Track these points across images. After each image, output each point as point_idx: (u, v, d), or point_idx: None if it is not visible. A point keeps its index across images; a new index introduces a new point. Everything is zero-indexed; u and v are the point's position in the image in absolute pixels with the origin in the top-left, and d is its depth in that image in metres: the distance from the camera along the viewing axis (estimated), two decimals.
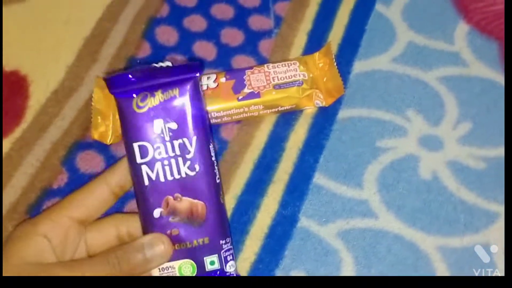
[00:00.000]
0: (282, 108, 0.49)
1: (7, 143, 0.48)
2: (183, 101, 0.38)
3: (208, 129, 0.39)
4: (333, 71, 0.51)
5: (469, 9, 0.57)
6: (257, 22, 0.56)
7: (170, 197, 0.38)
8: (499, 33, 0.55)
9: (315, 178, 0.47)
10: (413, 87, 0.52)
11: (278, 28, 0.56)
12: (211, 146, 0.39)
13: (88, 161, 0.48)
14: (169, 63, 0.40)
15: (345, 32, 0.55)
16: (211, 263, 0.39)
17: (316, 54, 0.52)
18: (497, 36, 0.55)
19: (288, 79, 0.49)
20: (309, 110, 0.50)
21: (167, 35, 0.55)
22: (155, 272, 0.39)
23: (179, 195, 0.38)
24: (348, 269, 0.43)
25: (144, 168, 0.38)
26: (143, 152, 0.38)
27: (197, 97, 0.38)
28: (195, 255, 0.39)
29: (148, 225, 0.39)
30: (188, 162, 0.38)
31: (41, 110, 0.50)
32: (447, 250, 0.44)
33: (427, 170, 0.48)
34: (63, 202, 0.39)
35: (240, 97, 0.48)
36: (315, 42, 0.55)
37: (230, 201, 0.46)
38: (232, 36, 0.55)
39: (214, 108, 0.48)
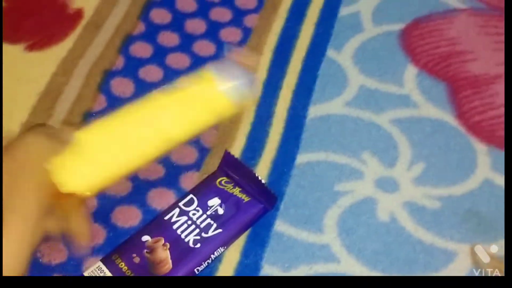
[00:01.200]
0: None
1: None
2: (244, 212, 0.46)
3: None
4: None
5: (416, 52, 0.59)
6: None
7: (164, 242, 0.44)
8: (446, 74, 0.57)
9: (276, 225, 0.47)
10: (367, 130, 0.53)
11: None
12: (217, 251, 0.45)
13: None
14: (263, 181, 0.47)
15: (299, 78, 0.57)
16: None
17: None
18: (444, 77, 0.57)
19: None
20: (268, 156, 0.51)
21: (122, 87, 0.55)
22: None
23: (168, 245, 0.44)
24: None
25: (176, 211, 0.45)
26: (189, 202, 0.46)
27: (249, 224, 0.46)
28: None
29: (129, 236, 0.45)
30: (198, 237, 0.44)
31: None
32: None
33: (384, 212, 0.49)
34: None
35: None
36: (271, 89, 0.56)
37: None
38: None
39: None
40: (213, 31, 0.60)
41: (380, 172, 0.51)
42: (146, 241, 0.44)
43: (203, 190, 0.47)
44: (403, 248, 0.47)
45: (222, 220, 0.45)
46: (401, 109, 0.55)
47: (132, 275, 0.42)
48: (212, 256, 0.44)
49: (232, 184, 0.47)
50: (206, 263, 0.44)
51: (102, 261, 0.43)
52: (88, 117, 0.52)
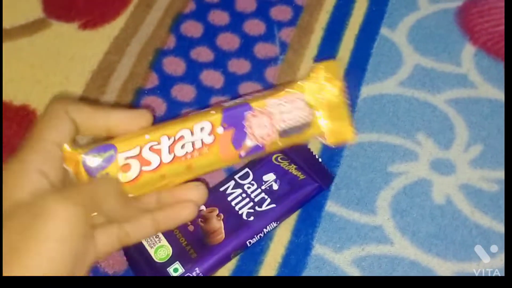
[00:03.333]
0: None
1: None
2: (298, 189, 0.46)
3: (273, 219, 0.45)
4: (341, 107, 0.40)
5: (475, 30, 0.57)
6: (262, 49, 0.56)
7: (218, 212, 0.45)
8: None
9: (327, 206, 0.47)
10: (422, 110, 0.52)
11: (284, 54, 0.56)
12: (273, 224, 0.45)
13: None
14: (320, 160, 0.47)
15: (351, 57, 0.56)
16: (175, 270, 0.42)
17: (320, 75, 0.39)
18: (503, 56, 0.55)
19: (295, 123, 0.39)
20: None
21: (174, 66, 0.55)
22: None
23: (222, 216, 0.44)
24: None
25: (231, 183, 0.46)
26: (244, 176, 0.47)
27: (303, 201, 0.46)
28: (179, 252, 0.43)
29: None
30: (251, 211, 0.45)
31: None
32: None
33: (440, 194, 0.47)
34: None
35: (242, 153, 0.38)
36: None
37: None
38: (239, 65, 0.55)
39: (214, 169, 0.38)
40: (263, 10, 0.59)
41: (436, 154, 0.49)
42: (201, 210, 0.44)
43: (259, 165, 0.47)
44: (459, 232, 0.46)
45: (276, 195, 0.45)
46: (458, 89, 0.53)
47: (185, 243, 0.43)
48: (264, 230, 0.44)
49: (288, 161, 0.47)
50: (258, 236, 0.44)
51: None
52: (140, 94, 0.53)
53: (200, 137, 0.37)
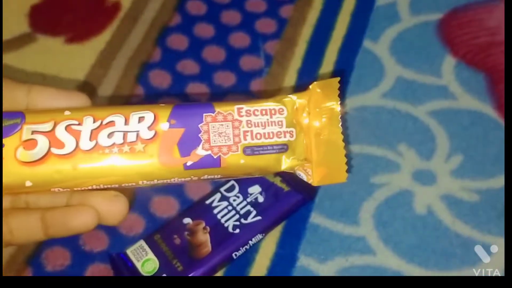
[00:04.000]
0: (246, 176, 0.33)
1: None
2: (283, 201, 0.47)
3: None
4: (334, 136, 0.32)
5: (455, 42, 0.58)
6: (247, 62, 0.57)
7: (205, 225, 0.45)
8: (485, 65, 0.56)
9: (311, 217, 0.48)
10: (404, 122, 0.53)
11: (268, 67, 0.57)
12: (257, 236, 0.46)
13: None
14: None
15: (335, 69, 0.57)
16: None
17: (314, 94, 0.32)
18: (483, 68, 0.56)
19: (267, 139, 0.31)
20: None
21: (160, 79, 0.56)
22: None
23: (208, 229, 0.45)
24: None
25: (217, 196, 0.47)
26: (230, 188, 0.47)
27: (288, 213, 0.47)
28: (166, 265, 0.43)
29: (170, 219, 0.47)
30: (237, 223, 0.45)
31: None
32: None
33: (421, 205, 0.48)
34: None
35: (188, 163, 0.29)
36: (305, 79, 0.56)
37: None
38: (225, 77, 0.56)
39: (144, 176, 0.29)
40: (248, 23, 0.60)
41: (417, 165, 0.50)
42: (188, 223, 0.45)
43: (245, 177, 0.47)
44: (440, 242, 0.47)
45: (261, 207, 0.46)
46: (439, 100, 0.54)
47: (172, 256, 0.44)
48: (250, 242, 0.45)
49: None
50: (244, 248, 0.45)
51: (145, 240, 0.45)
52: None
53: (136, 128, 0.29)
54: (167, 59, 0.57)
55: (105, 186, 0.29)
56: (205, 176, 0.30)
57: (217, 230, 0.45)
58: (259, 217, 0.45)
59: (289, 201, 0.47)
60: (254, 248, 0.46)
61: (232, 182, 0.48)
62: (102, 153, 0.28)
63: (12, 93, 0.30)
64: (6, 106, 0.29)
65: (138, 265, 0.43)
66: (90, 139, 0.28)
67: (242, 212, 0.46)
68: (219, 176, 0.31)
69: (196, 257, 0.43)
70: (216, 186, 0.48)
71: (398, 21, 0.60)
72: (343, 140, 0.32)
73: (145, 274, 0.43)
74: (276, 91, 0.55)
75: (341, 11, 0.60)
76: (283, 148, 0.31)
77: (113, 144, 0.28)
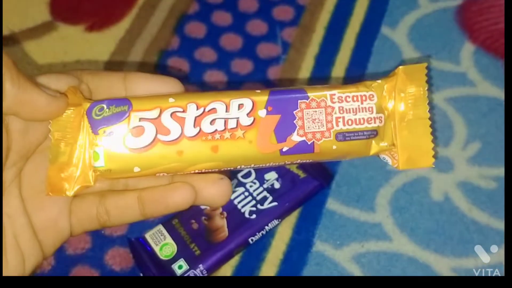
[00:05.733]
0: (334, 160, 0.37)
1: None
2: (300, 187, 0.47)
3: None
4: (421, 121, 0.33)
5: (474, 28, 0.57)
6: (265, 49, 0.57)
7: (221, 210, 0.45)
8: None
9: (327, 203, 0.48)
10: None
11: (285, 54, 0.57)
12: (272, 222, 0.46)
13: None
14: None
15: (352, 56, 0.56)
16: (179, 267, 0.43)
17: (400, 79, 0.32)
18: (502, 54, 0.56)
19: (358, 125, 0.31)
20: None
21: (178, 66, 0.56)
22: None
23: (225, 214, 0.45)
24: None
25: (234, 182, 0.47)
26: (247, 175, 0.47)
27: (304, 199, 0.47)
28: (184, 249, 0.44)
29: None
30: (253, 209, 0.45)
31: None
32: (461, 271, 0.45)
33: (438, 191, 0.48)
34: None
35: (284, 148, 0.31)
36: (323, 65, 0.56)
37: None
38: (242, 65, 0.56)
39: (244, 160, 0.31)
40: (265, 10, 0.60)
41: (435, 151, 0.50)
42: (205, 208, 0.46)
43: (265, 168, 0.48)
44: (457, 228, 0.47)
45: (277, 194, 0.46)
46: (457, 87, 0.54)
47: (189, 240, 0.44)
48: (266, 227, 0.45)
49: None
50: (260, 234, 0.45)
51: (163, 225, 0.45)
52: None
53: (236, 115, 0.30)
54: (185, 46, 0.57)
55: (205, 171, 0.31)
56: (298, 161, 0.32)
57: (234, 215, 0.45)
58: (275, 203, 0.46)
59: (305, 188, 0.47)
60: (271, 233, 0.47)
61: (249, 168, 0.48)
62: (205, 139, 0.30)
63: (109, 81, 0.31)
64: (104, 95, 0.30)
65: (157, 249, 0.44)
66: (194, 126, 0.29)
67: (258, 198, 0.46)
68: (310, 161, 0.32)
69: (213, 242, 0.44)
70: (233, 172, 0.48)
71: (417, 7, 0.59)
72: (430, 126, 0.33)
73: (163, 258, 0.43)
74: (293, 78, 0.55)
75: None
76: (373, 133, 0.32)
77: (215, 130, 0.30)
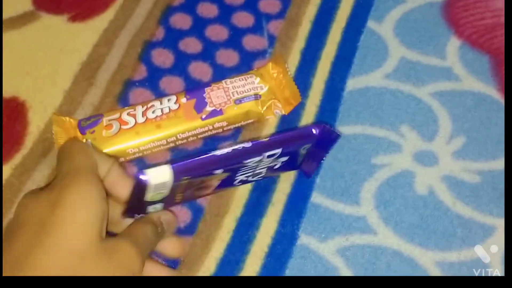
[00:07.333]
0: (245, 123, 0.50)
1: (8, 169, 0.49)
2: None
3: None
4: (288, 79, 0.51)
5: (460, 23, 0.57)
6: (251, 42, 0.57)
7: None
8: (490, 47, 0.56)
9: (312, 197, 0.48)
10: (407, 103, 0.53)
11: (272, 48, 0.57)
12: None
13: None
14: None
15: (338, 50, 0.56)
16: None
17: (269, 65, 0.53)
18: (488, 49, 0.56)
19: (247, 92, 0.50)
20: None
21: (163, 57, 0.55)
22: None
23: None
24: None
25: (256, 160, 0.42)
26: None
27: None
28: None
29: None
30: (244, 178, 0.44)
31: (40, 136, 0.50)
32: (445, 265, 0.45)
33: (422, 185, 0.48)
34: None
35: (203, 116, 0.48)
36: (309, 59, 0.56)
37: (230, 223, 0.46)
38: (227, 56, 0.56)
39: (179, 129, 0.48)
40: (251, 2, 0.59)
41: (419, 146, 0.50)
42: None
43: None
44: (441, 222, 0.47)
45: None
46: (443, 82, 0.54)
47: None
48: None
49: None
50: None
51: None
52: (129, 85, 0.53)
53: (167, 105, 0.49)
54: (169, 38, 0.57)
55: (160, 142, 0.48)
56: (216, 124, 0.49)
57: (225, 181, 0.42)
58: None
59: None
60: (256, 226, 0.46)
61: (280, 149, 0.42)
62: (151, 122, 0.48)
63: (101, 163, 0.39)
64: (94, 166, 0.39)
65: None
66: (142, 116, 0.48)
67: (255, 172, 0.43)
68: (225, 123, 0.49)
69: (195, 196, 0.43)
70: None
71: (403, 2, 0.59)
72: (292, 79, 0.52)
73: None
74: None
75: None
76: (258, 96, 0.50)
77: (156, 116, 0.48)
